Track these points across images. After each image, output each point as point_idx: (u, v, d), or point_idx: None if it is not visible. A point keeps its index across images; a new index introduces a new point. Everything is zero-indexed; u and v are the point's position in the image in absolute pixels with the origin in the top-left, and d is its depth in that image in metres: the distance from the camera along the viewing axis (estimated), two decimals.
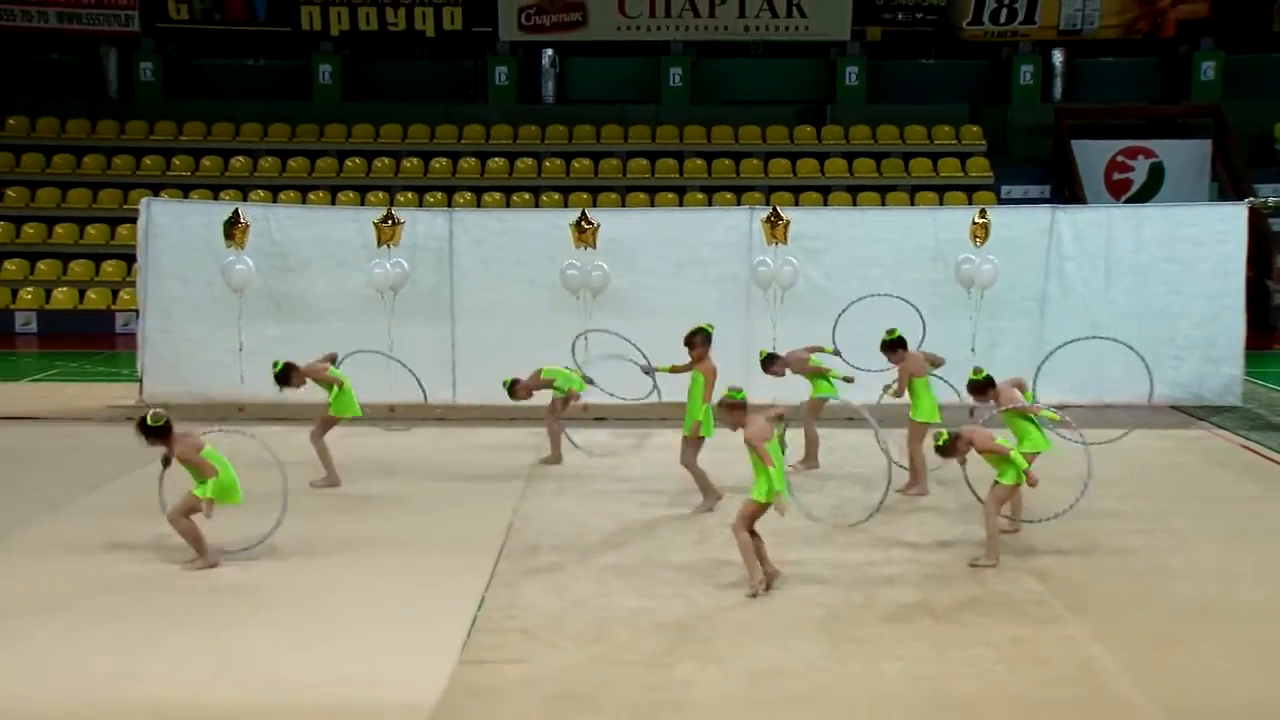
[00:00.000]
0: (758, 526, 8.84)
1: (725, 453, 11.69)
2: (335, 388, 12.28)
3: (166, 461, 9.55)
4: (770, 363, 12.60)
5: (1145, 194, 28.89)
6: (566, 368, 13.40)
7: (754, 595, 8.67)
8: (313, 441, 12.17)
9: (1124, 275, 16.36)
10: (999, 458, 9.44)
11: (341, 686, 7.17)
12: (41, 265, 27.37)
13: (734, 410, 9.00)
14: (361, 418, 12.44)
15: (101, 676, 7.28)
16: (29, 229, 28.02)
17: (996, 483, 9.53)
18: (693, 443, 11.14)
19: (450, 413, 15.73)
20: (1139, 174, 29.38)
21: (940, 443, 9.46)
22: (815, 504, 11.05)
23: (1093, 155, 29.30)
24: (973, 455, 9.56)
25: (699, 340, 11.56)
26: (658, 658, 7.62)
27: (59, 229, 28.03)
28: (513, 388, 13.07)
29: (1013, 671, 7.45)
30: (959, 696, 7.11)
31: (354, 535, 10.39)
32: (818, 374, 12.56)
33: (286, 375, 12.16)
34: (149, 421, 9.41)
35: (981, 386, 10.52)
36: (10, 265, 27.32)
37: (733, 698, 7.06)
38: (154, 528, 9.81)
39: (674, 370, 11.84)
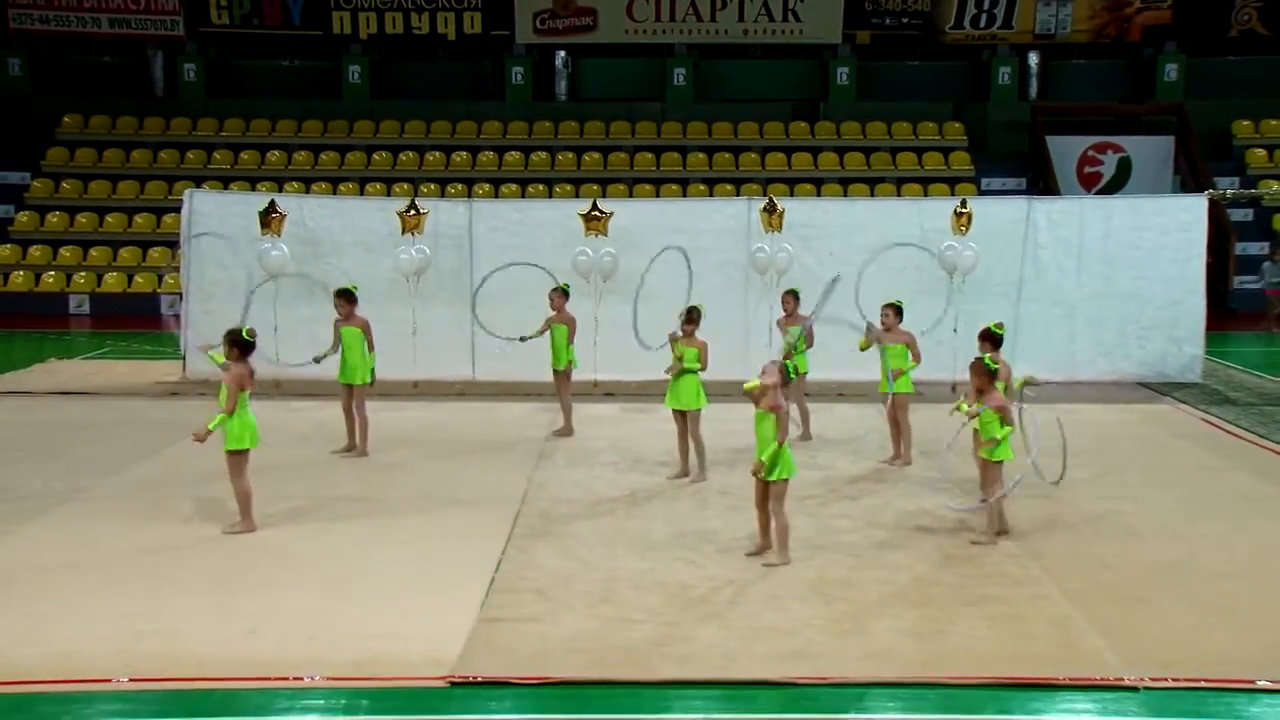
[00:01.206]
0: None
1: (723, 425, 11.68)
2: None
3: (218, 357, 9.50)
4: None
5: (1114, 186, 28.78)
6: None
7: (779, 564, 8.53)
8: (356, 413, 12.10)
9: (1094, 261, 16.31)
10: (998, 424, 9.05)
11: (371, 641, 7.15)
12: (93, 252, 27.34)
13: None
14: (369, 385, 12.23)
15: (147, 631, 7.27)
16: (82, 218, 27.98)
17: (987, 461, 9.15)
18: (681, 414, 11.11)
19: (469, 388, 15.70)
20: (1108, 168, 29.25)
21: (994, 367, 9.12)
22: (808, 477, 10.99)
23: (1066, 150, 29.18)
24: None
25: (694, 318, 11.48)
26: (661, 616, 7.59)
27: (109, 218, 27.99)
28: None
29: (991, 628, 7.42)
30: (942, 651, 7.08)
31: (381, 501, 10.38)
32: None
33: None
34: (244, 334, 9.45)
35: (996, 340, 10.20)
36: (65, 252, 27.29)
37: (732, 653, 7.03)
38: (198, 494, 9.79)
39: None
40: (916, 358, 11.74)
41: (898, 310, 11.81)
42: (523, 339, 13.40)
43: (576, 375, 13.59)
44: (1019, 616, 7.62)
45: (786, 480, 8.56)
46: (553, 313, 13.12)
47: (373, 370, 12.24)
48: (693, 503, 10.33)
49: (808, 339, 12.39)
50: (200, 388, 15.71)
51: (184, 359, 16.47)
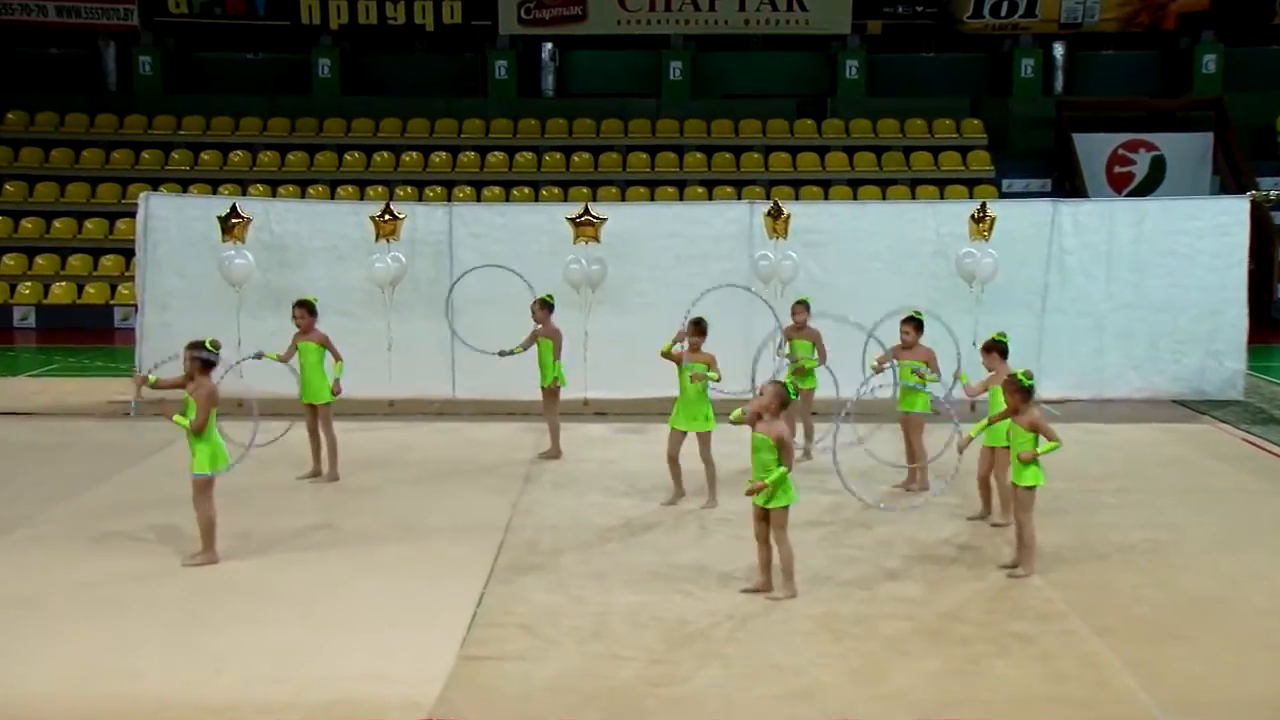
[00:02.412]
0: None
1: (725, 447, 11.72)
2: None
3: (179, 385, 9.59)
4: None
5: (1147, 187, 28.91)
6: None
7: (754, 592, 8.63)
8: (323, 434, 12.14)
9: (1125, 269, 16.36)
10: (1032, 442, 9.04)
11: (343, 682, 7.17)
12: (40, 260, 27.36)
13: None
14: (335, 395, 12.27)
15: (103, 672, 7.27)
16: (27, 223, 28.00)
17: (1016, 487, 9.17)
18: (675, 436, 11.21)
19: (449, 407, 15.73)
20: (1141, 167, 29.38)
21: (1029, 383, 9.15)
22: (815, 502, 11.03)
23: (1094, 148, 29.31)
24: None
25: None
26: (657, 654, 7.61)
27: (57, 223, 28.01)
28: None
29: (1015, 668, 7.44)
30: (962, 692, 7.10)
31: (354, 530, 10.39)
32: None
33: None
34: (208, 345, 9.55)
35: (1001, 350, 10.54)
36: (9, 260, 27.30)
37: (733, 694, 7.05)
38: (155, 522, 9.79)
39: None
40: (936, 372, 11.81)
41: (918, 325, 11.89)
42: (502, 354, 13.40)
43: (566, 393, 13.62)
44: (1045, 654, 7.64)
45: (787, 507, 8.58)
46: (537, 326, 13.17)
47: (338, 380, 12.21)
48: (691, 531, 10.35)
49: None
50: (156, 408, 15.69)
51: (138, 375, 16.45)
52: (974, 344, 15.36)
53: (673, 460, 11.17)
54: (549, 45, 31.31)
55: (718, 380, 11.26)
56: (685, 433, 11.14)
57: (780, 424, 8.51)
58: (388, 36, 31.25)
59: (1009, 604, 8.54)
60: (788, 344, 13.07)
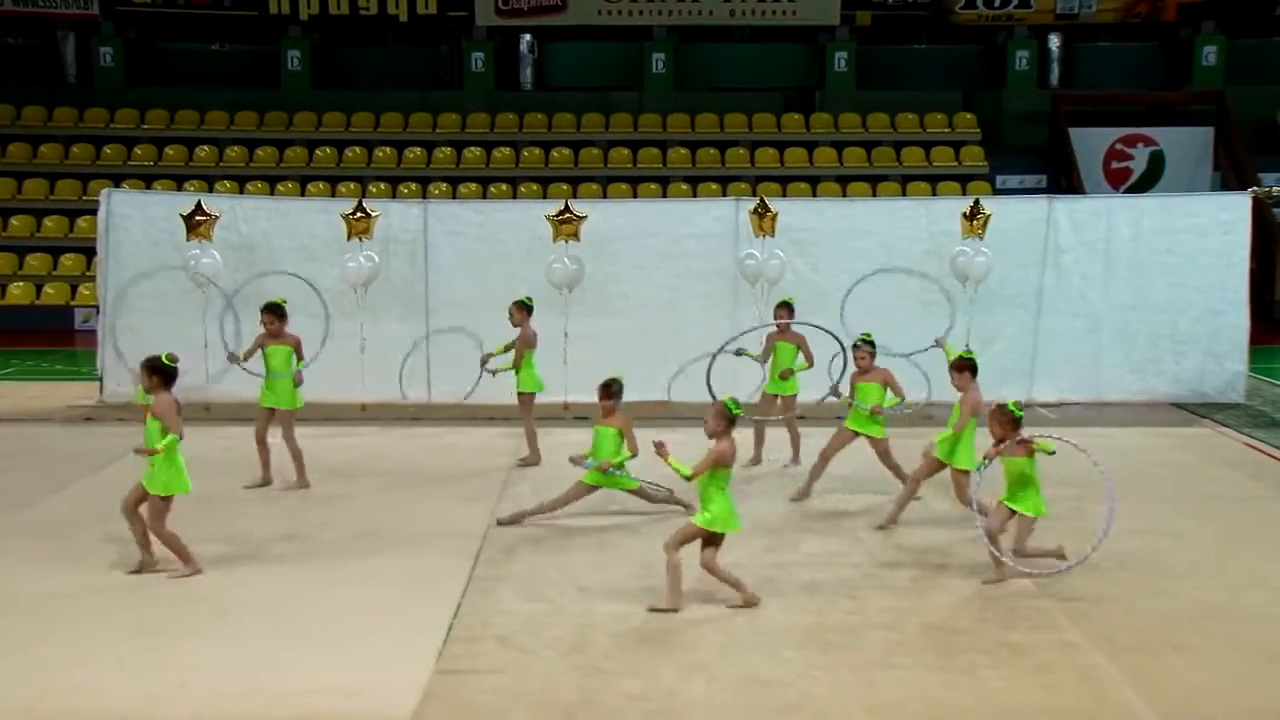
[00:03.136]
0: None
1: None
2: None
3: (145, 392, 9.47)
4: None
5: (1145, 183, 29.02)
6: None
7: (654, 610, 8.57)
8: (286, 442, 12.11)
9: (1123, 268, 16.43)
10: (1024, 474, 9.21)
11: (314, 696, 7.15)
12: None
13: None
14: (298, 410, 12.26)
15: (61, 688, 7.24)
16: None
17: (1014, 511, 9.26)
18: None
19: (424, 412, 15.70)
20: (1139, 163, 29.51)
21: (1019, 414, 9.25)
22: (803, 508, 11.05)
23: (1091, 143, 29.42)
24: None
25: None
26: (640, 666, 7.61)
27: (14, 221, 27.88)
28: None
29: (1010, 680, 7.47)
30: (954, 706, 7.12)
31: (324, 540, 10.37)
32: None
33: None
34: (164, 360, 9.42)
35: (972, 368, 10.62)
36: None
37: (719, 707, 7.06)
38: (116, 532, 9.75)
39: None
40: (899, 394, 11.75)
41: (871, 347, 11.85)
42: (488, 367, 13.29)
43: (545, 397, 13.63)
44: (1042, 666, 7.67)
45: (722, 535, 8.63)
46: (520, 330, 13.14)
47: (299, 371, 12.16)
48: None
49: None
50: (120, 412, 15.66)
51: (101, 380, 16.42)
52: (966, 345, 15.50)
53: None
54: (527, 37, 31.29)
55: (630, 456, 10.76)
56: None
57: (722, 445, 8.53)
58: (360, 27, 31.18)
59: (1003, 614, 8.56)
60: (771, 348, 13.02)
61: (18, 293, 26.51)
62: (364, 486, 12.18)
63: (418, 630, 8.15)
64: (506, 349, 13.22)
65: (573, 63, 31.78)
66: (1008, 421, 9.19)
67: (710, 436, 8.59)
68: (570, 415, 14.54)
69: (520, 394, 13.19)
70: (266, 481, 12.14)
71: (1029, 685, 7.40)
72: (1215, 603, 8.86)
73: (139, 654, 7.76)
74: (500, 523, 10.74)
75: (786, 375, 12.81)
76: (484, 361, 13.24)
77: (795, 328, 13.01)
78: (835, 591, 9.00)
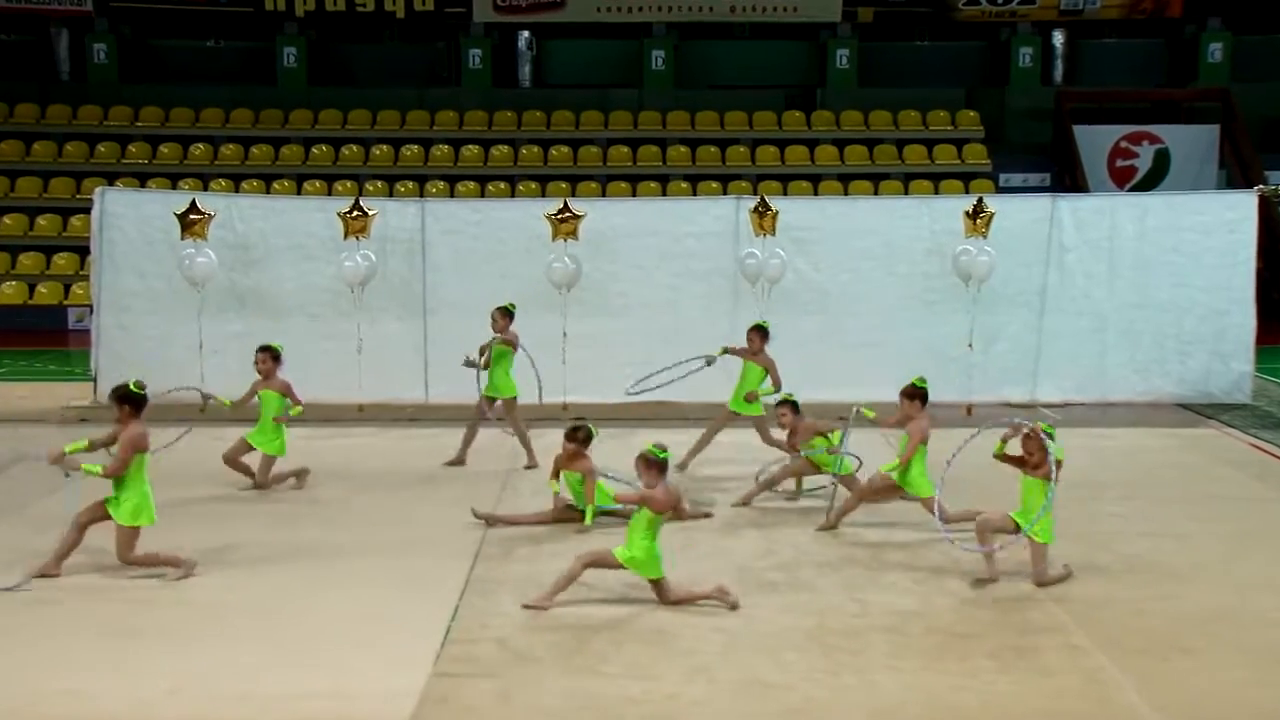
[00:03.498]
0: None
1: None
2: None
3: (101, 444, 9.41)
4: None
5: (1150, 181, 29.05)
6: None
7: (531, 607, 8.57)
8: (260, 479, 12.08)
9: (1127, 267, 16.44)
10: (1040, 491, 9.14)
11: (309, 701, 7.14)
12: None
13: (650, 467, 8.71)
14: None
15: (52, 692, 7.22)
16: None
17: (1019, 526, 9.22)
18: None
19: (422, 412, 15.70)
20: (1144, 161, 29.52)
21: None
22: (805, 515, 11.05)
23: (1095, 141, 29.44)
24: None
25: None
26: (640, 669, 7.60)
27: (7, 219, 27.88)
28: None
29: (1014, 683, 7.46)
30: (958, 709, 7.11)
31: (323, 541, 10.35)
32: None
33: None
34: (133, 388, 9.36)
35: (923, 396, 10.57)
36: None
37: (719, 711, 7.05)
38: (107, 535, 9.72)
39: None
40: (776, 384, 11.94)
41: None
42: (468, 363, 13.26)
43: (545, 399, 13.66)
44: (1046, 669, 7.66)
45: (659, 580, 8.66)
46: (495, 335, 13.08)
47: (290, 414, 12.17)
48: (676, 542, 10.34)
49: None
50: (115, 413, 15.63)
51: (95, 380, 16.40)
52: (969, 345, 15.53)
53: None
54: (525, 33, 31.29)
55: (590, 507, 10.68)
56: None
57: (653, 493, 8.59)
58: (356, 24, 31.17)
59: (1008, 616, 8.55)
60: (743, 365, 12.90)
61: (10, 292, 26.51)
62: (361, 488, 12.16)
63: (415, 633, 8.14)
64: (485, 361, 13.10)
65: (571, 60, 31.77)
66: (1041, 447, 9.15)
67: (648, 487, 8.68)
68: (569, 415, 14.50)
69: (505, 399, 13.09)
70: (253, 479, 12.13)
71: (1033, 688, 7.38)
72: (1221, 606, 8.85)
73: (131, 658, 7.74)
74: (475, 515, 10.73)
75: (752, 398, 12.66)
76: (470, 363, 13.15)
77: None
78: (838, 594, 8.99)
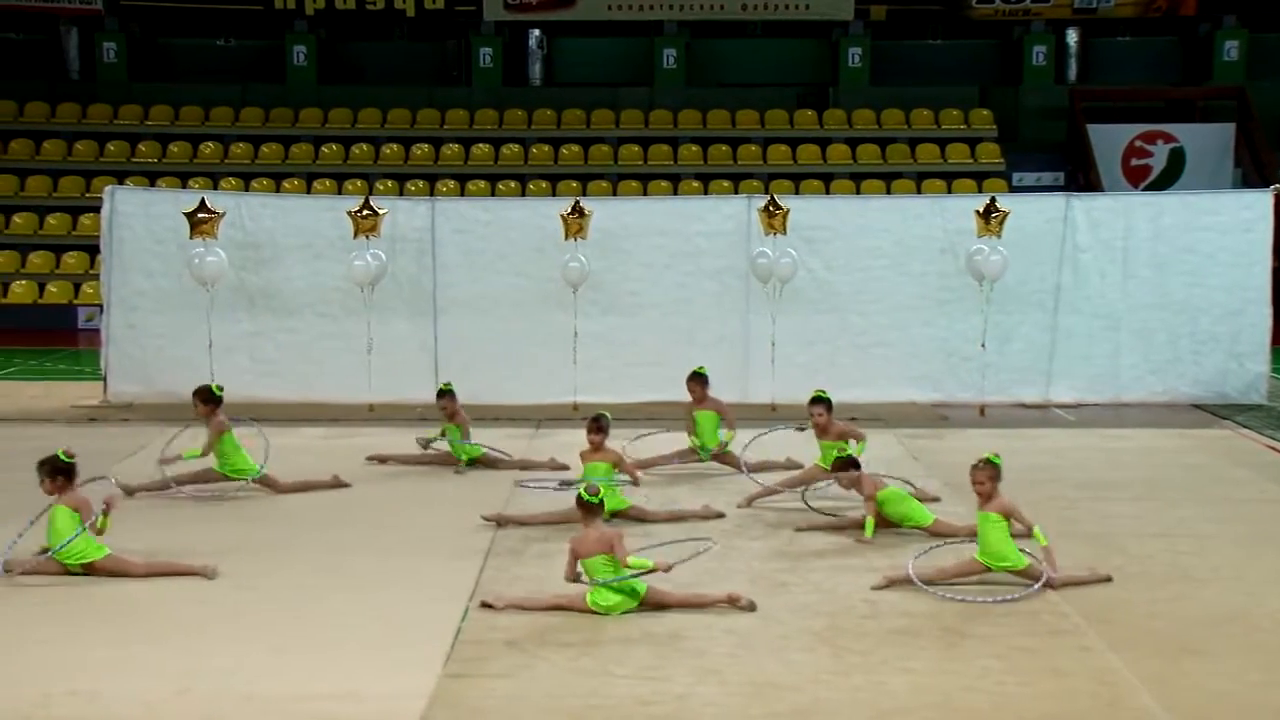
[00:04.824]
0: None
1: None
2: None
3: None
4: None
5: (1165, 181, 29.01)
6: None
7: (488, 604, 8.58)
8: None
9: (1142, 266, 16.43)
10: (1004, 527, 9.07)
11: (318, 701, 7.15)
12: None
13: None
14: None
15: (59, 693, 7.24)
16: None
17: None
18: None
19: (431, 412, 15.70)
20: (1158, 160, 29.49)
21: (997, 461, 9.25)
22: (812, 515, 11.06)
23: (1109, 140, 29.41)
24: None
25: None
26: (650, 670, 7.60)
27: (17, 218, 27.99)
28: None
29: (1025, 684, 7.45)
30: (968, 710, 7.10)
31: (331, 540, 10.38)
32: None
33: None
34: (61, 457, 9.34)
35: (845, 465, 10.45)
36: None
37: (730, 711, 7.05)
38: (118, 536, 9.77)
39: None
40: (860, 440, 11.46)
41: (828, 405, 11.66)
42: (426, 444, 13.18)
43: (555, 397, 13.69)
44: (1057, 671, 7.65)
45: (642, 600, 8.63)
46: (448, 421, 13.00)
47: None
48: (685, 543, 10.34)
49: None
50: (123, 413, 15.72)
51: (105, 379, 16.47)
52: (982, 346, 15.53)
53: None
54: (536, 32, 31.34)
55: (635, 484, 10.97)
56: None
57: (605, 533, 8.63)
58: (366, 22, 31.25)
59: (1019, 618, 8.54)
60: (689, 419, 12.68)
61: (20, 291, 26.62)
62: (370, 488, 12.18)
63: (425, 634, 8.15)
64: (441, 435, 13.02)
65: (582, 58, 31.82)
66: (996, 476, 9.12)
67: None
68: (579, 415, 14.52)
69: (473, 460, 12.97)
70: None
71: (1045, 690, 7.37)
72: (1236, 608, 8.83)
73: (139, 659, 7.76)
74: (485, 518, 10.75)
75: (719, 456, 12.52)
76: (424, 445, 13.05)
77: None
78: (848, 595, 8.98)
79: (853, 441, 11.22)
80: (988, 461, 9.15)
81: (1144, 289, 16.43)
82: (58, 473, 9.34)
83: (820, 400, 11.59)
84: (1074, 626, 8.38)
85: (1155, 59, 31.66)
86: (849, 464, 10.48)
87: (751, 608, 8.59)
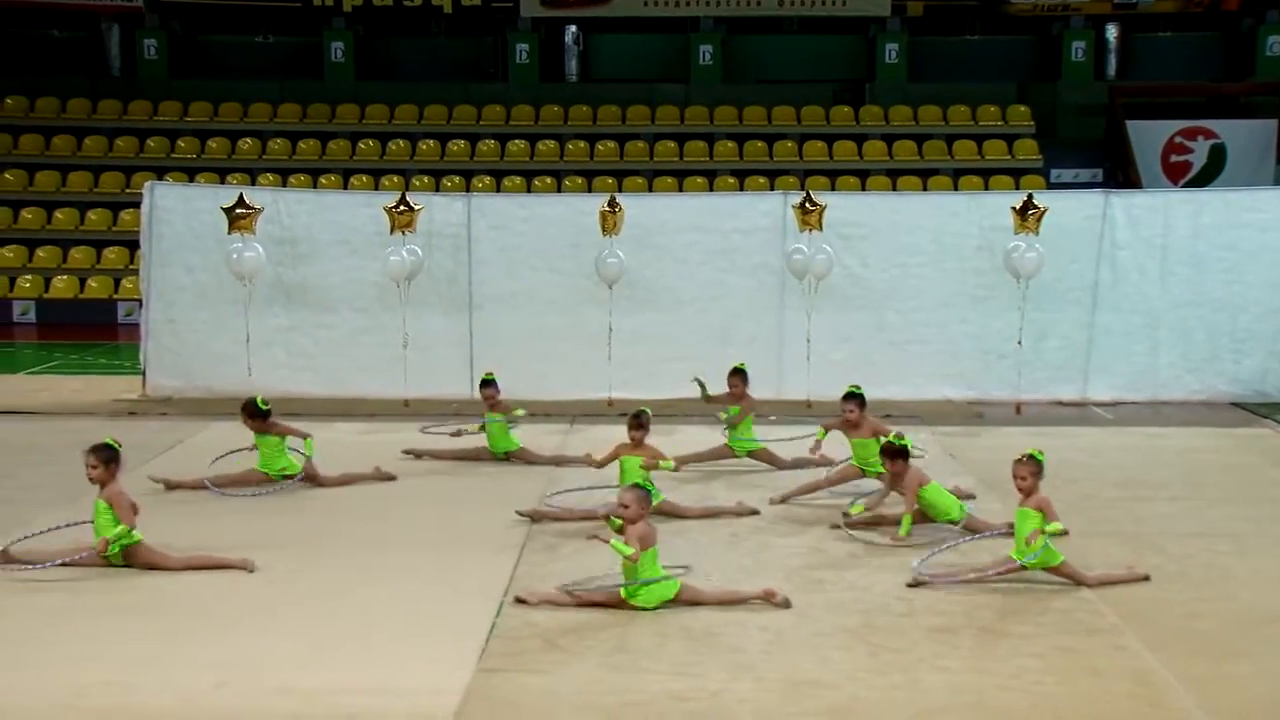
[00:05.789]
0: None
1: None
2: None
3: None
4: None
5: (1205, 177, 28.75)
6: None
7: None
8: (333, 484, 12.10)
9: (1181, 264, 16.29)
10: (1041, 520, 8.96)
11: (353, 695, 7.16)
12: (40, 252, 27.56)
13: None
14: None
15: (96, 684, 7.28)
16: (27, 214, 28.21)
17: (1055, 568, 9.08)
18: None
19: (468, 407, 15.73)
20: (1199, 156, 29.22)
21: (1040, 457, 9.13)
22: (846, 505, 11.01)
23: (1149, 136, 29.17)
24: None
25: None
26: (684, 666, 7.59)
27: (59, 214, 28.22)
28: None
29: (1062, 684, 7.39)
30: (1004, 710, 7.06)
31: (362, 536, 10.40)
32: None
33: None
34: (112, 443, 9.44)
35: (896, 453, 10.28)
36: (8, 252, 27.52)
37: (765, 709, 7.03)
38: (155, 529, 9.82)
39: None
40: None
41: (861, 401, 11.52)
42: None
43: (590, 393, 13.70)
44: (1094, 671, 7.59)
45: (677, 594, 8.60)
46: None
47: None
48: (721, 537, 10.34)
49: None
50: (162, 407, 15.82)
51: (144, 374, 16.58)
52: (1018, 343, 15.43)
53: None
54: (572, 28, 31.35)
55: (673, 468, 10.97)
56: None
57: (639, 528, 8.56)
58: (404, 19, 31.34)
59: (1056, 617, 8.48)
60: (724, 410, 12.76)
61: (62, 286, 26.83)
62: (405, 483, 12.20)
63: (460, 629, 8.15)
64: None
65: (618, 54, 31.82)
66: (1038, 472, 9.06)
67: (631, 521, 8.60)
68: (615, 411, 14.55)
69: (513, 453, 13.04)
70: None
71: (1082, 690, 7.32)
72: (1277, 609, 8.74)
73: (175, 652, 7.79)
74: (519, 514, 10.75)
75: (756, 453, 12.61)
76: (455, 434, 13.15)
77: None
78: (884, 593, 8.94)
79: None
80: (1031, 457, 9.09)
81: (1183, 287, 16.30)
82: (111, 460, 9.39)
83: (854, 396, 11.51)
84: (1111, 626, 8.31)
85: (1196, 54, 31.38)
86: (900, 453, 10.26)
87: (786, 604, 8.56)
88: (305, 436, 11.75)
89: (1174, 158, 29.31)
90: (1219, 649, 7.98)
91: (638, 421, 10.95)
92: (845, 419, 11.48)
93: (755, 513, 10.98)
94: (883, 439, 10.64)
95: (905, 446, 10.27)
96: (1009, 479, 9.42)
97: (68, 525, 9.66)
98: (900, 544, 9.96)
